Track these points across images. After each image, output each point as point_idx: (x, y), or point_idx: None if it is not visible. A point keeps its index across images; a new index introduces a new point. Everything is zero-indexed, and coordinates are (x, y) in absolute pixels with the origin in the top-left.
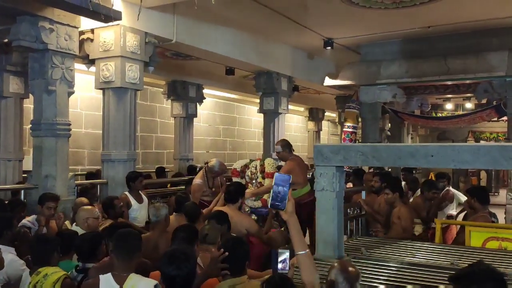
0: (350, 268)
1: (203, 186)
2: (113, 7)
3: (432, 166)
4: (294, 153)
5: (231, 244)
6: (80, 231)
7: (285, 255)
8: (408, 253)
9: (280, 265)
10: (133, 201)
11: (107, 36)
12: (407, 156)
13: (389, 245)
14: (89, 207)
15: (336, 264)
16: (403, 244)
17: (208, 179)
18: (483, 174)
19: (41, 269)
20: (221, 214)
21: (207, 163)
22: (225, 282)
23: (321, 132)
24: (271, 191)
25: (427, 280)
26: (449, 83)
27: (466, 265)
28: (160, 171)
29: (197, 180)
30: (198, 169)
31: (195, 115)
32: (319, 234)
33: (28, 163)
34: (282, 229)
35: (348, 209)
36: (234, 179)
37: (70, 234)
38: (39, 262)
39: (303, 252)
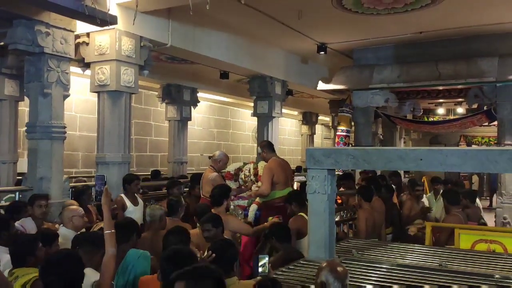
0: (339, 268)
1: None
2: (109, 12)
3: (421, 169)
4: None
5: (219, 246)
6: (66, 230)
7: (265, 259)
8: (399, 255)
9: (260, 269)
10: (128, 203)
11: (102, 40)
12: (397, 159)
13: (380, 247)
14: (74, 206)
15: (324, 265)
16: (394, 246)
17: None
18: (475, 178)
19: (15, 270)
20: (216, 217)
21: (211, 157)
22: None
23: (314, 135)
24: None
25: (415, 281)
26: (441, 88)
27: (455, 266)
28: (155, 175)
29: (213, 174)
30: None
31: (190, 119)
32: (311, 236)
33: (22, 166)
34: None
35: (342, 212)
36: (228, 182)
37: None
38: (15, 262)
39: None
